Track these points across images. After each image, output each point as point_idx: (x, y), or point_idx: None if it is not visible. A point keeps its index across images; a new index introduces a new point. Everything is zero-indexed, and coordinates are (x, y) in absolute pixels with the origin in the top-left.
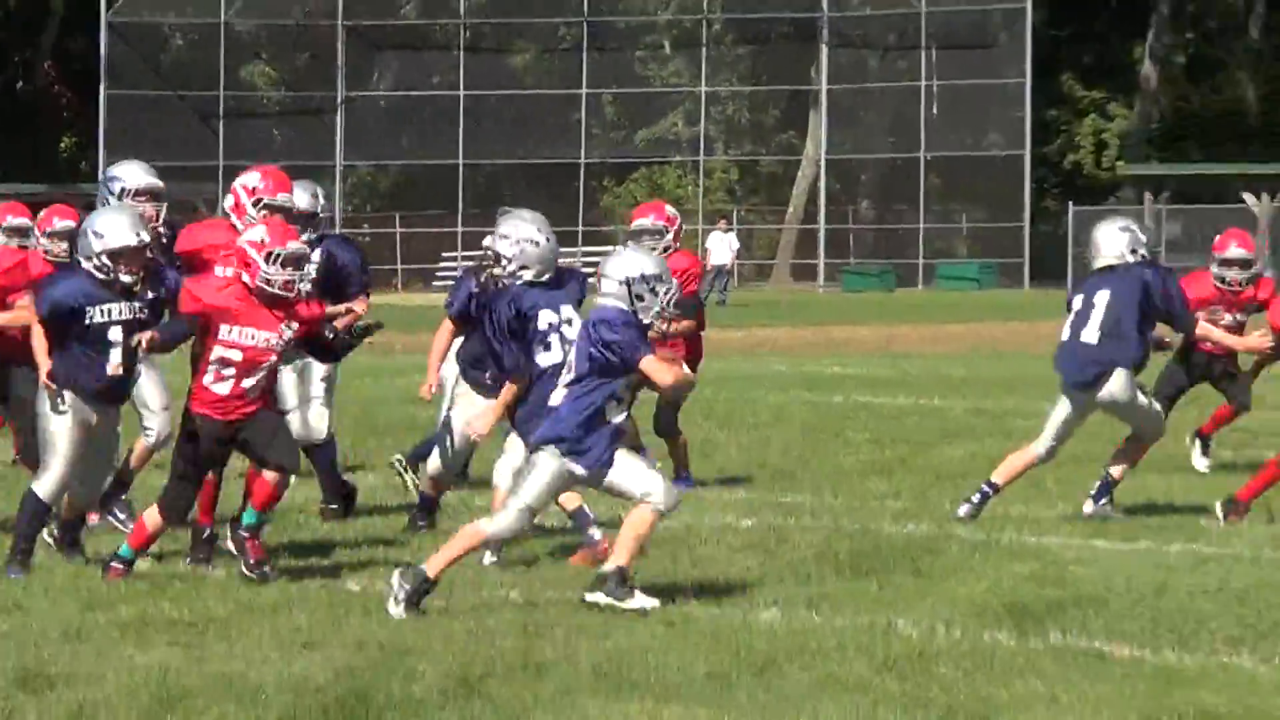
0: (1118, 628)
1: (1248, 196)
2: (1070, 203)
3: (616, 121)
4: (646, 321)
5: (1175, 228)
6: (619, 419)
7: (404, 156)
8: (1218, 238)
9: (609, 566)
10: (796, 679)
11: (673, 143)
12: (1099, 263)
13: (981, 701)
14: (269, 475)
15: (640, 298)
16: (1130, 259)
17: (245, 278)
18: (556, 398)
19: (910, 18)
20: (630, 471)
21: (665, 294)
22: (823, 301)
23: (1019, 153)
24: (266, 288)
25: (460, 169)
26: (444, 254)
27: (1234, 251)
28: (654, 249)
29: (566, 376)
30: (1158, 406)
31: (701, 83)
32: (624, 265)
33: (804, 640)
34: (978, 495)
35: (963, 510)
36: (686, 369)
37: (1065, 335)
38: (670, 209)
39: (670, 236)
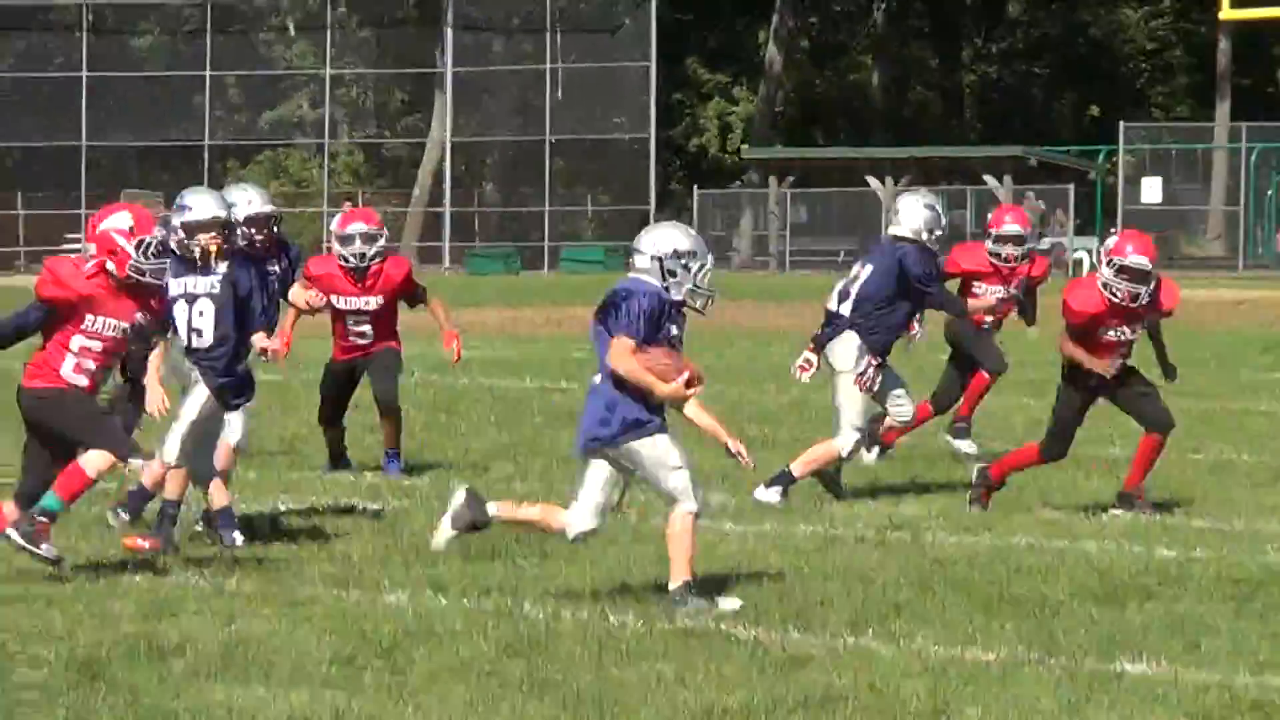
0: (743, 610)
1: (872, 180)
2: (695, 186)
3: (241, 104)
4: (679, 298)
5: (800, 211)
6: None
7: (26, 137)
8: (992, 213)
9: (673, 586)
10: (423, 662)
11: (298, 125)
12: (893, 230)
13: (607, 683)
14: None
15: (672, 273)
16: (924, 238)
17: (111, 266)
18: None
19: (536, 1)
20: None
21: (699, 270)
22: (447, 284)
23: (644, 136)
24: (137, 276)
25: (83, 150)
26: (67, 235)
27: (1009, 228)
28: (365, 254)
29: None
30: (901, 392)
31: (326, 65)
32: (656, 241)
33: (430, 623)
34: (777, 477)
35: (767, 495)
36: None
37: (834, 305)
38: (376, 214)
39: (383, 240)
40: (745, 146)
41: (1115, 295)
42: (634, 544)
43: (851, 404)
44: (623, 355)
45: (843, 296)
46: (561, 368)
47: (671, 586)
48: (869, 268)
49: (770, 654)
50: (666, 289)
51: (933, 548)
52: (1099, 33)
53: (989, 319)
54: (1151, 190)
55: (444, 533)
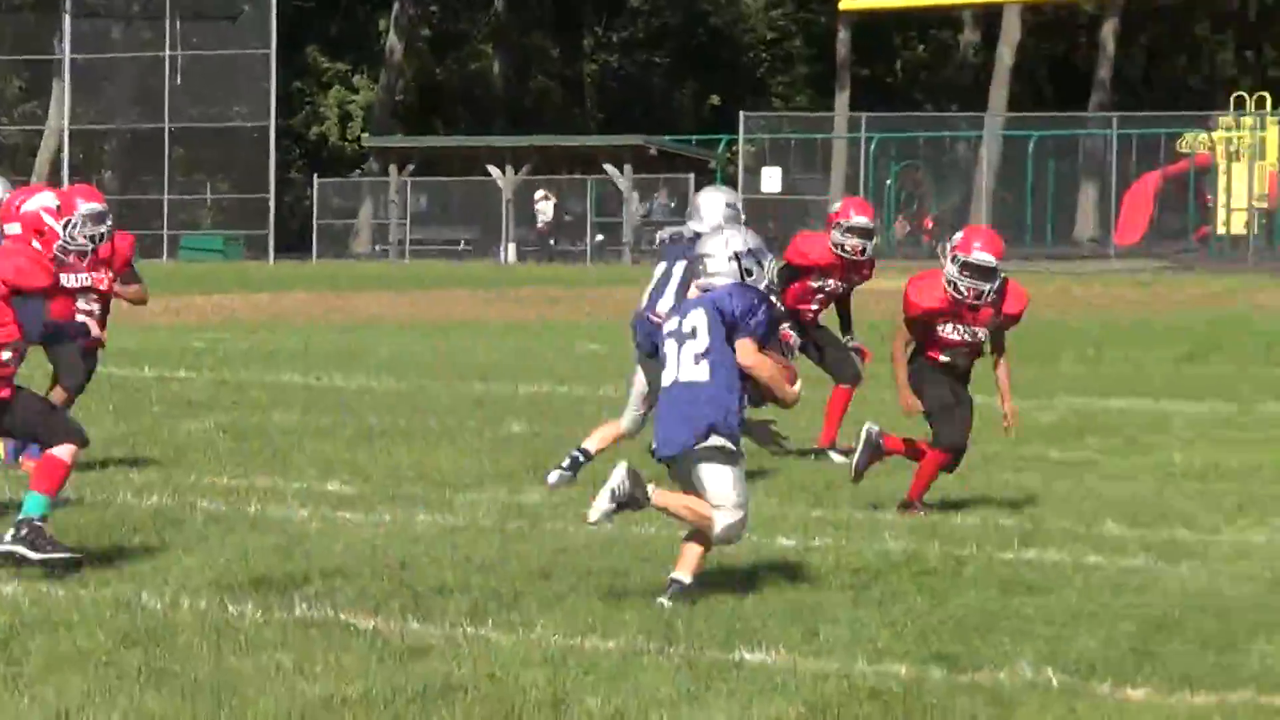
0: (363, 599)
1: (492, 169)
2: (315, 175)
3: None
4: None
5: (420, 200)
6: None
7: None
8: (838, 205)
9: (686, 579)
10: (39, 653)
11: None
12: (693, 226)
13: (225, 674)
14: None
15: (749, 271)
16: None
17: (37, 245)
18: (700, 376)
19: None
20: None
21: (769, 266)
22: None
23: (264, 124)
24: (63, 256)
25: None
26: None
27: (857, 219)
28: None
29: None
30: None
31: None
32: (729, 240)
33: (47, 612)
34: (568, 460)
35: (553, 477)
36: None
37: (642, 303)
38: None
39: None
40: (365, 135)
41: (959, 292)
42: (252, 532)
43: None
44: (753, 353)
45: (658, 295)
46: (180, 357)
47: (676, 574)
48: (680, 264)
49: (390, 644)
50: (754, 288)
51: (554, 537)
52: (719, 22)
53: (810, 313)
54: (771, 180)
55: (600, 505)
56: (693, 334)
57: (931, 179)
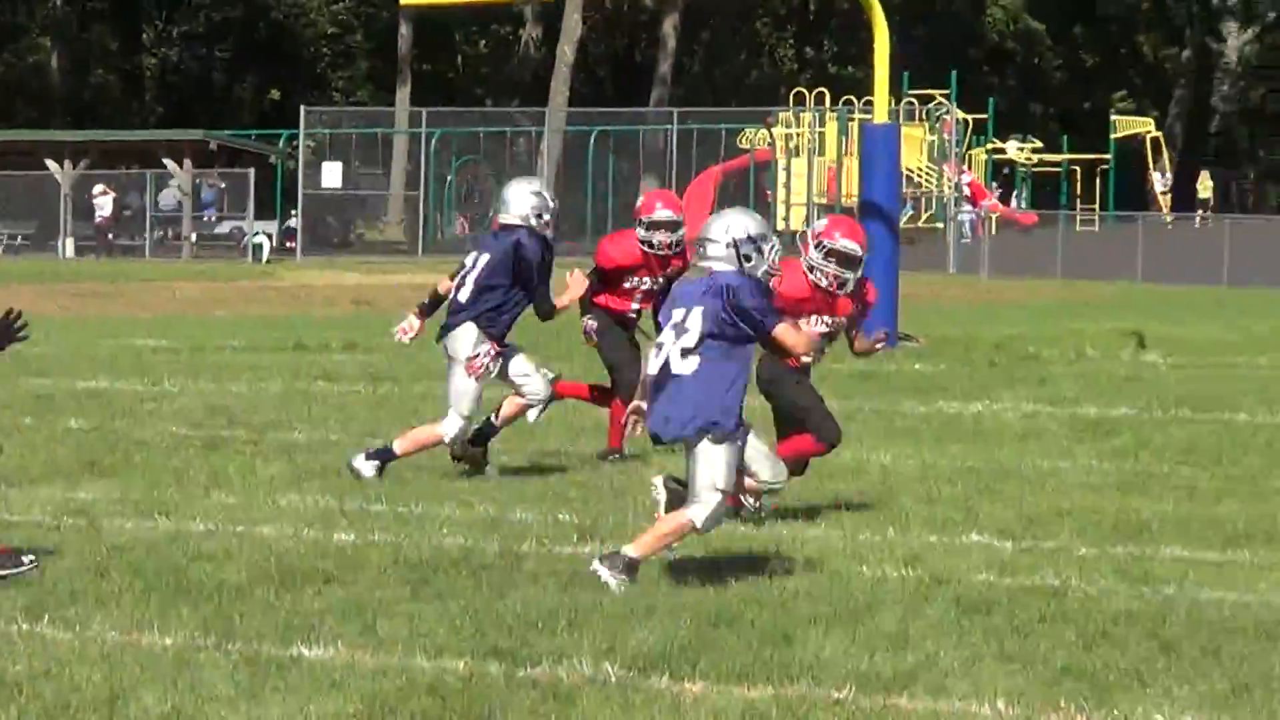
0: None
1: (51, 164)
2: None
3: None
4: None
5: None
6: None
7: None
8: (642, 199)
9: (633, 554)
10: None
11: None
12: (503, 219)
13: None
14: None
15: (748, 258)
16: (534, 223)
17: None
18: (686, 368)
19: None
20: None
21: (770, 251)
22: None
23: None
24: None
25: None
26: None
27: (661, 213)
28: None
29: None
30: (528, 372)
31: None
32: (729, 226)
33: None
34: (376, 452)
35: (364, 467)
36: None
37: (453, 295)
38: None
39: None
40: None
41: (821, 280)
42: None
43: (463, 391)
44: (792, 335)
45: (458, 285)
46: None
47: (625, 549)
48: (485, 256)
49: None
50: (742, 273)
51: (110, 534)
52: (281, 15)
53: (631, 312)
54: (332, 174)
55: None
56: (687, 329)
57: (493, 174)
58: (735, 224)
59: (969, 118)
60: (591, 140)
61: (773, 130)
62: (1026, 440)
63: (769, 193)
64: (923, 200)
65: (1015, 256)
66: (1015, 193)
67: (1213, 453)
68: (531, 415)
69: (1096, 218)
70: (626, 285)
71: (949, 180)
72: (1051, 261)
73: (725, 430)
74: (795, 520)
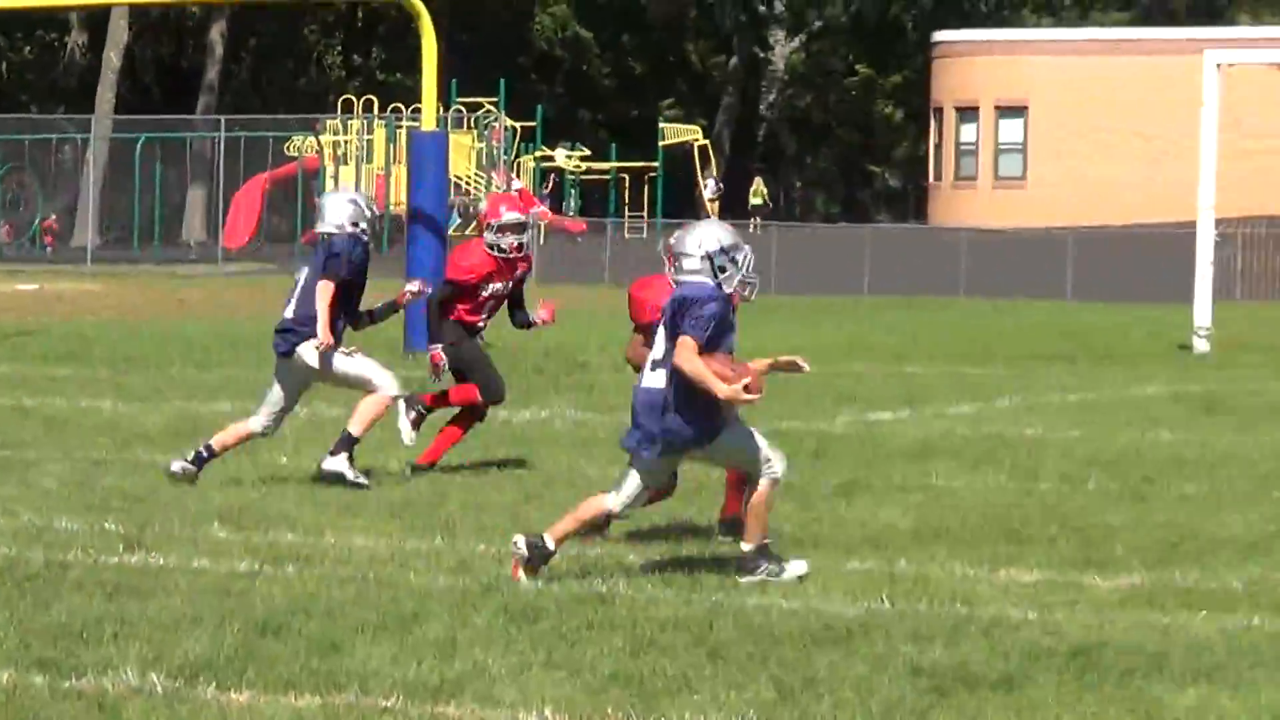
0: None
1: None
2: None
3: None
4: (729, 291)
5: None
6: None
7: None
8: (485, 205)
9: (748, 548)
10: None
11: None
12: (320, 228)
13: None
14: None
15: (723, 269)
16: (350, 230)
17: None
18: (656, 382)
19: None
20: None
21: (745, 262)
22: None
23: None
24: None
25: None
26: None
27: (509, 216)
28: None
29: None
30: (369, 370)
31: None
32: (702, 240)
33: None
34: (193, 455)
35: (175, 466)
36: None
37: (283, 314)
38: None
39: None
40: None
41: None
42: None
43: (362, 368)
44: (689, 355)
45: (286, 301)
46: None
47: (746, 548)
48: (305, 270)
49: None
50: (719, 285)
51: None
52: None
53: (481, 321)
54: None
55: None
56: (658, 343)
57: (38, 181)
58: (707, 237)
59: (518, 125)
60: (138, 147)
61: (320, 137)
62: (575, 448)
63: (318, 200)
64: (471, 208)
65: (564, 263)
66: (564, 200)
67: None
68: (405, 436)
69: (645, 225)
70: (483, 295)
71: (498, 187)
72: (600, 268)
73: (672, 441)
74: (344, 529)
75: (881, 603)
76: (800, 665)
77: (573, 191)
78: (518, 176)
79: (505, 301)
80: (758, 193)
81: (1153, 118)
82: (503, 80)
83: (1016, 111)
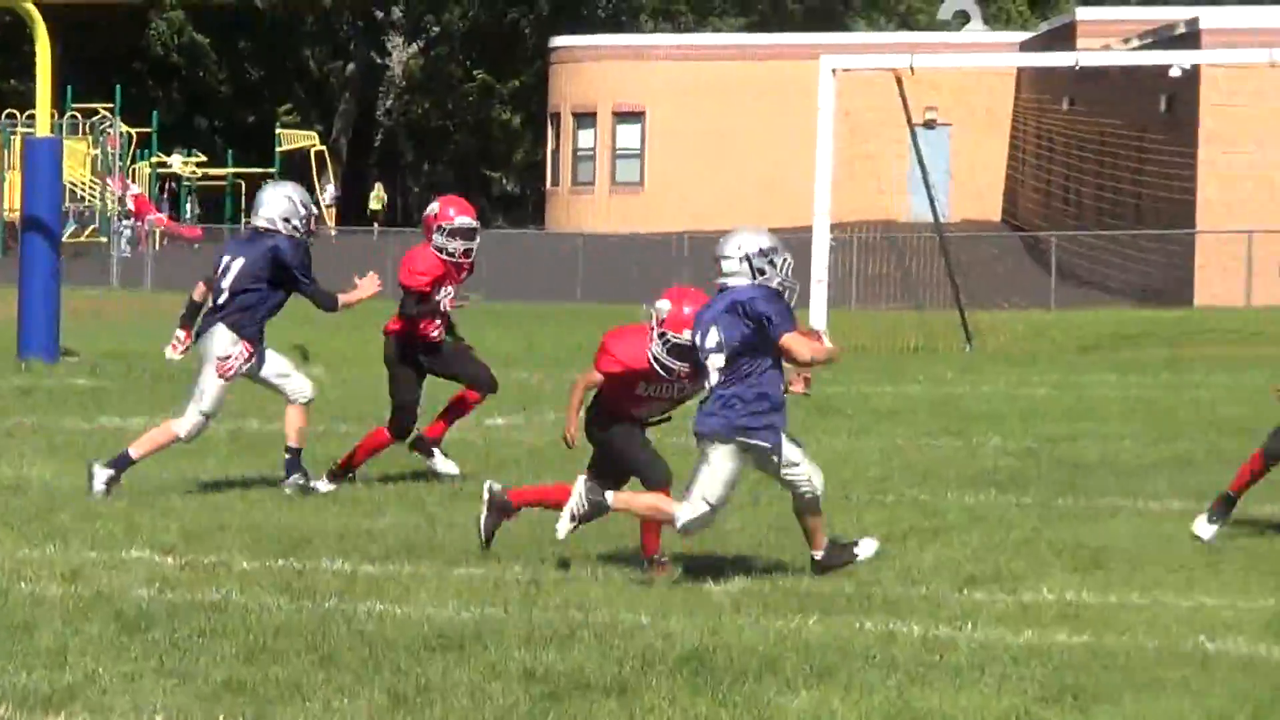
0: None
1: None
2: None
3: None
4: None
5: None
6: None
7: None
8: (436, 207)
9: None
10: None
11: None
12: (256, 222)
13: None
14: None
15: (761, 271)
16: (281, 227)
17: None
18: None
19: None
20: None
21: (784, 265)
22: None
23: None
24: None
25: None
26: None
27: (461, 220)
28: None
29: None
30: (286, 372)
31: None
32: (742, 243)
33: None
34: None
35: (99, 475)
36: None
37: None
38: None
39: None
40: None
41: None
42: None
43: (209, 390)
44: (804, 344)
45: (214, 288)
46: None
47: (816, 556)
48: (240, 260)
49: None
50: (756, 285)
51: None
52: None
53: (438, 323)
54: None
55: (563, 527)
56: (717, 348)
57: None
58: (747, 240)
59: (133, 131)
60: None
61: None
62: (189, 457)
63: None
64: (86, 214)
65: (181, 269)
66: (181, 206)
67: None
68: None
69: None
70: (437, 298)
71: (113, 194)
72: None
73: (756, 434)
74: None
75: (494, 609)
76: (413, 672)
77: (190, 198)
78: (134, 182)
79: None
80: (377, 198)
81: (771, 123)
82: (119, 86)
83: (634, 117)
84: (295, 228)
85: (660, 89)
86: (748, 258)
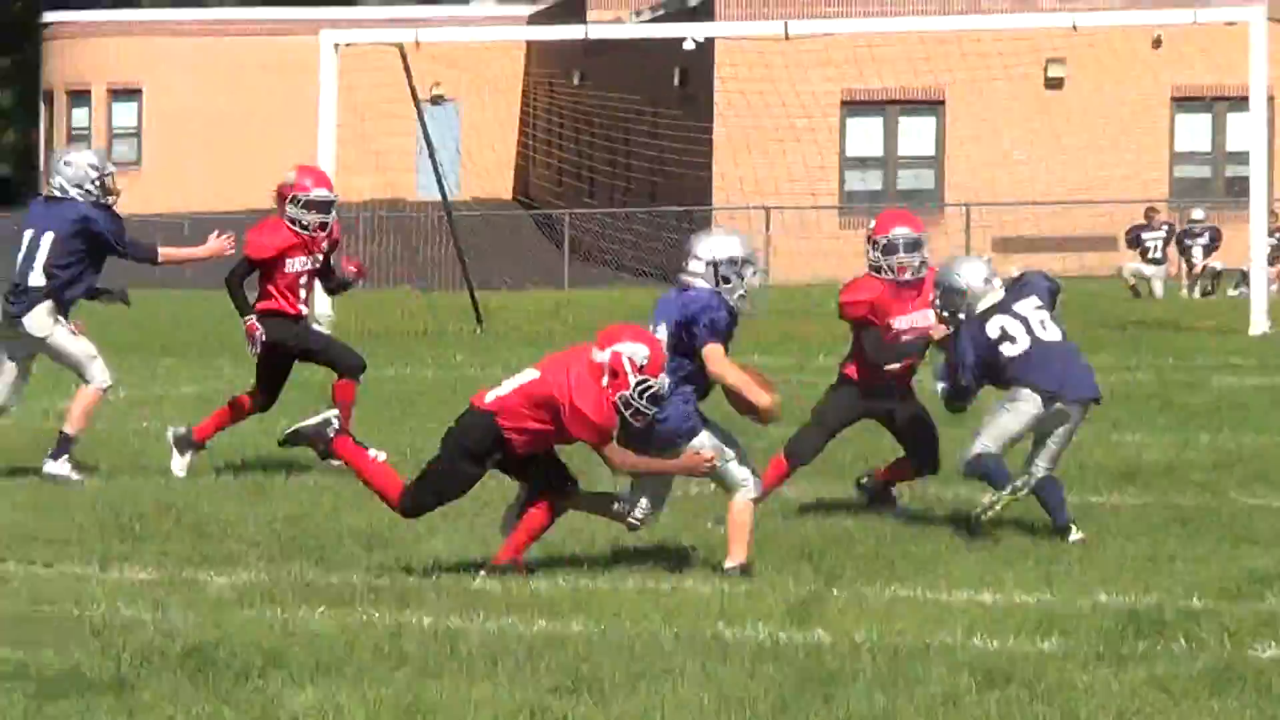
0: None
1: None
2: None
3: None
4: (731, 302)
5: None
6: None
7: None
8: (292, 176)
9: (731, 565)
10: None
11: None
12: (54, 190)
13: None
14: None
15: (726, 279)
16: (79, 192)
17: None
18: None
19: None
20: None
21: (752, 277)
22: None
23: None
24: None
25: None
26: None
27: (317, 192)
28: None
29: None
30: (94, 354)
31: None
32: (713, 248)
33: None
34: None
35: (60, 469)
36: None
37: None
38: None
39: None
40: None
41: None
42: None
43: (82, 350)
44: (720, 360)
45: (26, 265)
46: None
47: (729, 566)
48: (48, 234)
49: None
50: (718, 294)
51: None
52: None
53: (302, 307)
54: None
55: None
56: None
57: None
58: (720, 246)
59: None
60: None
61: None
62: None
63: None
64: None
65: None
66: None
67: None
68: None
69: None
70: (289, 270)
71: None
72: None
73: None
74: None
75: None
76: None
77: None
78: None
79: (315, 276)
80: None
81: (275, 101)
82: None
83: (130, 95)
84: (90, 193)
85: (156, 66)
86: (715, 264)
